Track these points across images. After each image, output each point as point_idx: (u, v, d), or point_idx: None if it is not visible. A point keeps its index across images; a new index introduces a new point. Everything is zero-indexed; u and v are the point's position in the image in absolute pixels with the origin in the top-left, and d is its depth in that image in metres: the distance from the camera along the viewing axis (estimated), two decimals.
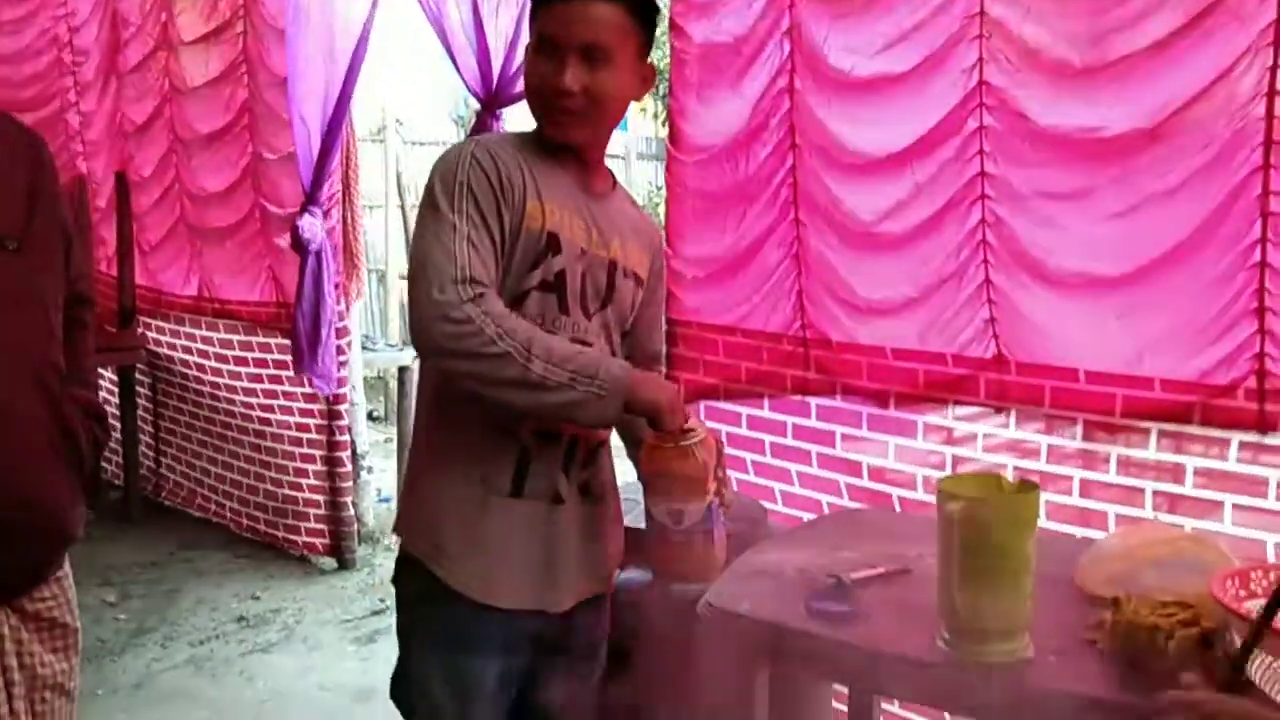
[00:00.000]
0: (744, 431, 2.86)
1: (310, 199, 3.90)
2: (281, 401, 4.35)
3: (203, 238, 4.56)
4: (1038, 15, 2.22)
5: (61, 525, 1.57)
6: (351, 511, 4.34)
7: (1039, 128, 2.23)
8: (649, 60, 1.67)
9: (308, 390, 4.18)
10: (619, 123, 1.70)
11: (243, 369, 4.47)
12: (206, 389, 4.68)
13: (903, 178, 2.45)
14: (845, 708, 2.29)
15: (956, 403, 2.47)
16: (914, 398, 2.53)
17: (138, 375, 4.92)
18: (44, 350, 1.55)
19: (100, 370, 4.49)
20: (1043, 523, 1.61)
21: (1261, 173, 1.99)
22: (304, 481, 4.32)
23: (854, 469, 2.67)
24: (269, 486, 4.46)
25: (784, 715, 1.84)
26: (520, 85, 3.35)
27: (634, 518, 1.86)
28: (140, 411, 4.94)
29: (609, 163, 1.75)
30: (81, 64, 4.95)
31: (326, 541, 4.32)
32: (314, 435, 4.26)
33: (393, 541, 4.31)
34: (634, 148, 9.47)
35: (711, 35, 2.77)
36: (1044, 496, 1.98)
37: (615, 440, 1.74)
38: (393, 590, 1.73)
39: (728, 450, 2.06)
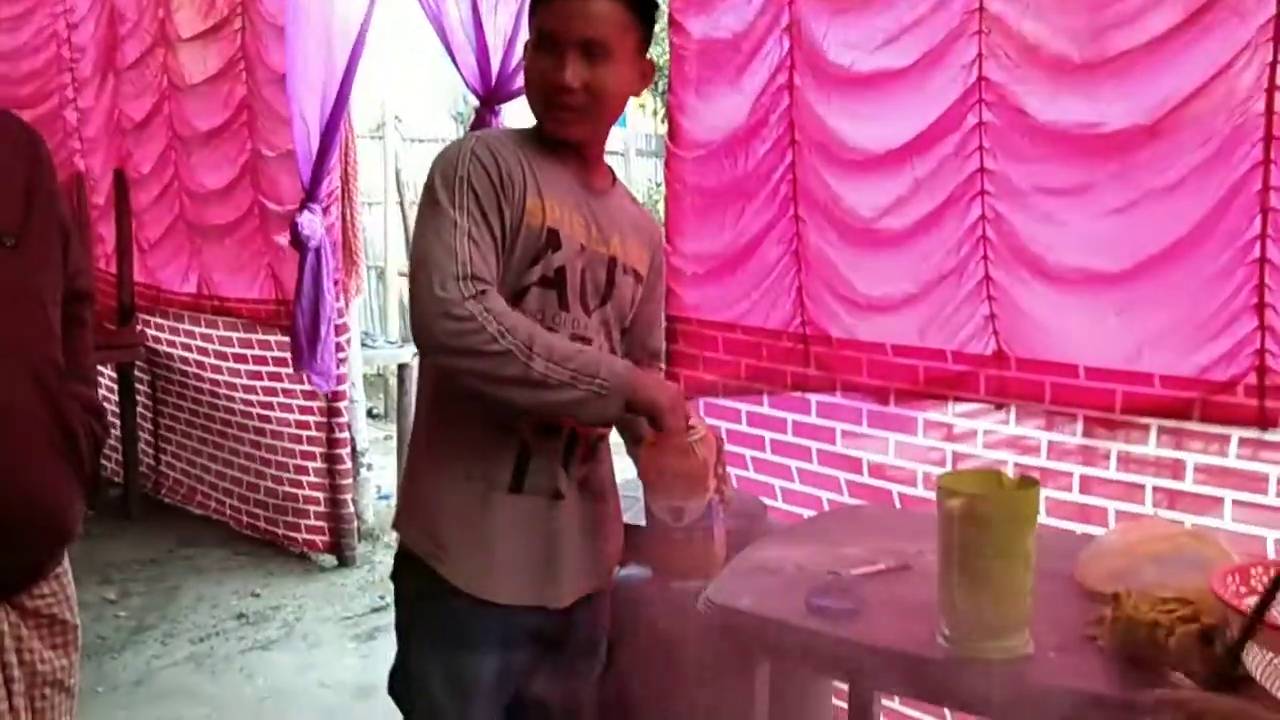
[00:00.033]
0: (744, 428, 2.86)
1: (310, 196, 3.90)
2: (281, 399, 4.34)
3: (202, 235, 4.56)
4: (1037, 10, 2.21)
5: (60, 522, 1.57)
6: (351, 509, 4.34)
7: (1039, 123, 2.23)
8: (648, 56, 1.67)
9: (307, 387, 4.17)
10: (618, 119, 1.70)
11: (242, 366, 4.47)
12: (206, 386, 4.68)
13: (902, 174, 2.45)
14: (845, 704, 2.29)
15: (956, 399, 2.47)
16: (914, 394, 2.53)
17: (137, 373, 4.92)
18: (43, 347, 1.55)
19: (100, 368, 4.49)
20: (1043, 519, 1.60)
21: (1261, 168, 1.98)
22: (304, 479, 4.32)
23: (854, 465, 2.67)
24: (269, 484, 4.46)
25: (784, 712, 1.85)
26: (519, 82, 3.37)
27: (633, 514, 1.86)
28: (140, 409, 4.94)
29: (608, 159, 1.75)
30: (79, 60, 4.94)
31: (326, 539, 4.32)
32: (314, 432, 4.26)
33: (392, 538, 4.30)
34: (633, 144, 9.46)
35: (711, 31, 2.77)
36: (1044, 493, 1.98)
37: (614, 437, 1.74)
38: (392, 587, 1.73)
39: (728, 447, 2.05)
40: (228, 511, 4.70)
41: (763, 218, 2.72)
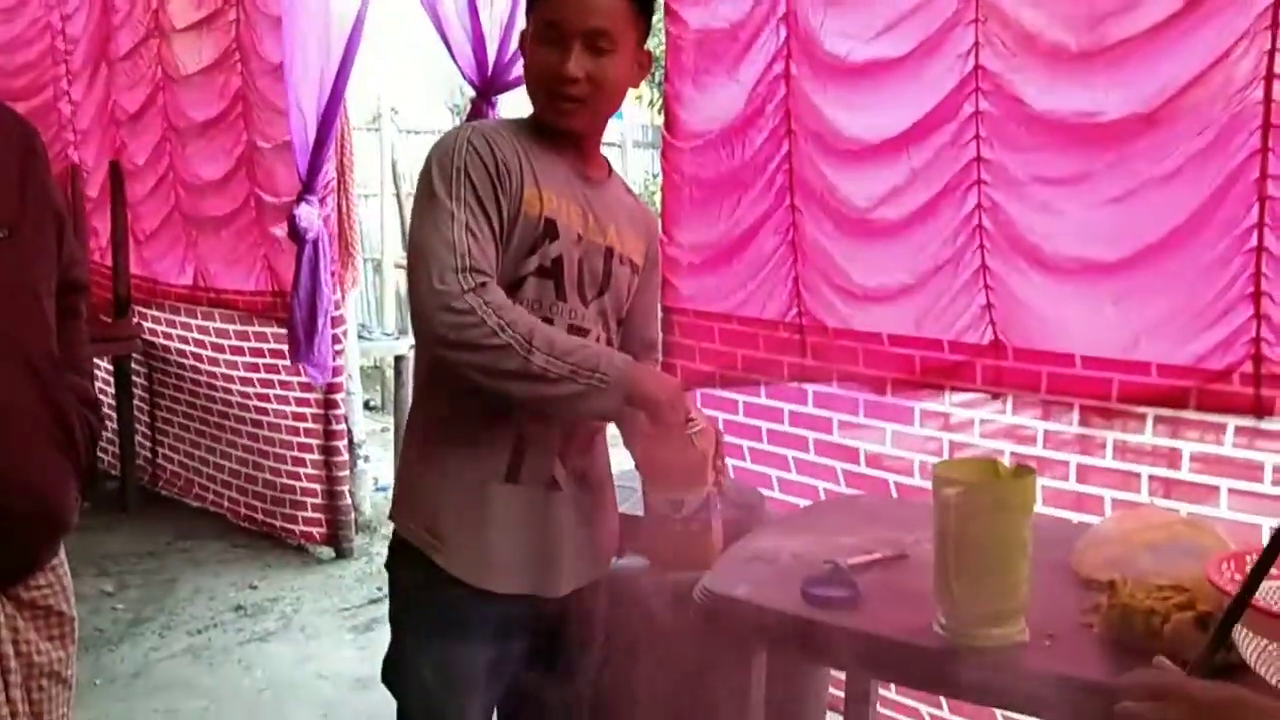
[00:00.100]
0: (741, 418, 2.86)
1: (306, 188, 3.89)
2: (278, 391, 4.34)
3: (198, 227, 4.55)
4: None
5: (56, 514, 1.57)
6: (349, 500, 4.34)
7: (1035, 112, 2.23)
8: (646, 47, 1.67)
9: (304, 379, 4.17)
10: (617, 110, 1.69)
11: (239, 358, 4.46)
12: (203, 378, 4.67)
13: (899, 163, 2.45)
14: (842, 693, 2.29)
15: (953, 389, 2.47)
16: (910, 384, 2.53)
17: (134, 365, 4.91)
18: (38, 339, 1.55)
19: (96, 360, 4.48)
20: (1039, 508, 1.61)
21: (1259, 157, 1.98)
22: (301, 471, 4.31)
23: (851, 455, 2.67)
24: (266, 476, 4.45)
25: (781, 701, 1.85)
26: (515, 73, 3.36)
27: (630, 505, 1.86)
28: (136, 401, 4.93)
29: (605, 151, 1.74)
30: (73, 52, 4.93)
31: (324, 530, 4.32)
32: (311, 424, 4.26)
33: (389, 530, 4.31)
34: (630, 135, 9.43)
35: (707, 21, 2.76)
36: (1040, 481, 1.98)
37: (611, 428, 1.74)
38: (388, 577, 1.73)
39: (724, 437, 2.06)
40: (225, 504, 4.70)
41: (759, 208, 2.72)
